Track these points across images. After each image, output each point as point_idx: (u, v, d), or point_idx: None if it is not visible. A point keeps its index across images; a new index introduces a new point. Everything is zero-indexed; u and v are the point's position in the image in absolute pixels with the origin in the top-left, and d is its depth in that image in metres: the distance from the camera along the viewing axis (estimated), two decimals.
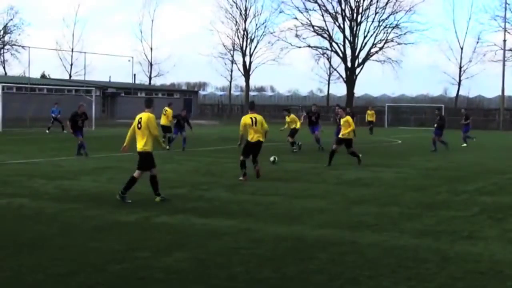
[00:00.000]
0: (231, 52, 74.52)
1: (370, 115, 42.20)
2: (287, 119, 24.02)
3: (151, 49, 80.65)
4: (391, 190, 13.22)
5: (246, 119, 14.81)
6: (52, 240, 8.02)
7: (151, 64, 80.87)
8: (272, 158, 17.76)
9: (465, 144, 28.33)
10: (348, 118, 18.34)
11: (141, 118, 11.14)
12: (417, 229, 9.01)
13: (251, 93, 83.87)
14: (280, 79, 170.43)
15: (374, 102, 72.62)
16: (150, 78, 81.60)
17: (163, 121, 23.86)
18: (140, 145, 11.10)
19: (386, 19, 66.75)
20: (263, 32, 73.44)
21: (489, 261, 7.27)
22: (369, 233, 8.64)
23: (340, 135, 18.56)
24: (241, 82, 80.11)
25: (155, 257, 7.13)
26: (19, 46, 65.82)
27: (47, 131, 34.71)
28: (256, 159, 14.84)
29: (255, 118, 14.71)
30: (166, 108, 24.54)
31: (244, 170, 14.52)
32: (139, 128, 11.11)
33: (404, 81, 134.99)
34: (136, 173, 11.11)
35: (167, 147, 21.76)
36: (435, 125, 25.56)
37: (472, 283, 6.40)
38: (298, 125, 23.75)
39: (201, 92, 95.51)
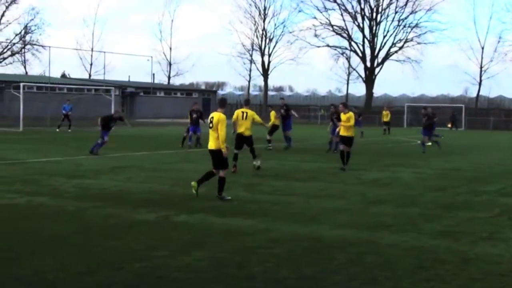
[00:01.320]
0: (250, 51, 74.74)
1: (385, 116, 42.15)
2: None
3: (170, 48, 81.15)
4: (410, 190, 13.13)
5: (238, 112, 16.47)
6: (71, 238, 8.08)
7: (170, 64, 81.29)
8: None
9: (429, 143, 25.94)
10: (351, 114, 17.26)
11: (212, 117, 11.21)
12: (437, 230, 8.94)
13: (270, 93, 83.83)
14: (298, 79, 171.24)
15: (393, 102, 72.33)
16: (169, 77, 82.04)
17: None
18: (212, 143, 11.17)
19: (405, 18, 66.65)
20: (282, 31, 73.68)
21: (510, 262, 7.20)
22: (388, 234, 8.59)
23: (341, 133, 17.26)
24: (260, 81, 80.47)
25: (173, 256, 7.16)
26: (39, 46, 66.17)
27: (69, 130, 35.26)
28: (253, 153, 16.13)
29: (246, 112, 16.35)
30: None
31: (234, 163, 15.43)
32: (210, 128, 11.20)
33: (424, 81, 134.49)
34: (221, 173, 11.20)
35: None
36: (423, 125, 25.04)
37: (492, 285, 6.34)
38: (270, 122, 23.65)
39: (220, 92, 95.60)
